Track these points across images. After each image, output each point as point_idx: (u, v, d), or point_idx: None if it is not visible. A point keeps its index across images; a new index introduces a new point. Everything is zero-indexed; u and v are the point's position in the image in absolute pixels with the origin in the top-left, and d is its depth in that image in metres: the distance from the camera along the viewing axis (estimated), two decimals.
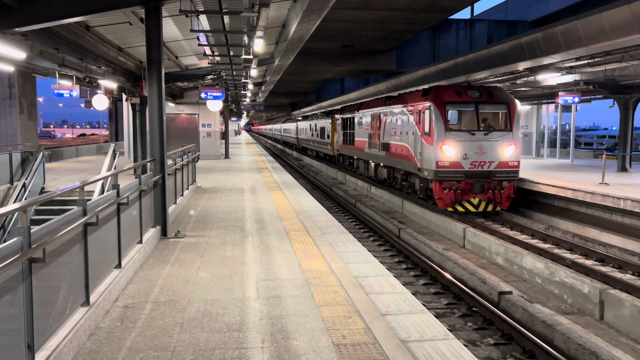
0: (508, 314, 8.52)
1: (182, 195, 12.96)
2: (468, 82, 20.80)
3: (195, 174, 16.70)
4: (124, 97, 20.43)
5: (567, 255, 12.19)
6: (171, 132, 26.05)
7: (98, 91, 18.17)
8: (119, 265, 6.53)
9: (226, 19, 11.79)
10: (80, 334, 4.76)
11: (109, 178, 11.52)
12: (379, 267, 7.32)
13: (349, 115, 27.99)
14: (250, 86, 31.94)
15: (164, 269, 7.25)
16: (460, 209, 16.22)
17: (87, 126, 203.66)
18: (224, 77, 23.19)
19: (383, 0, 18.41)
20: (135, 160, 19.98)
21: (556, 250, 12.59)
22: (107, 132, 65.44)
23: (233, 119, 64.19)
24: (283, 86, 42.21)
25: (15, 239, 3.68)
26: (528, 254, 11.27)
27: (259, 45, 13.58)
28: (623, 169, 21.27)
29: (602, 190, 14.27)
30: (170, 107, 29.06)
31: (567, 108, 28.86)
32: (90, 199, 5.63)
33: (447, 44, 27.12)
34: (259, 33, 11.82)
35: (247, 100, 45.21)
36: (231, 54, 16.57)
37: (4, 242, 3.62)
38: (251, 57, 16.96)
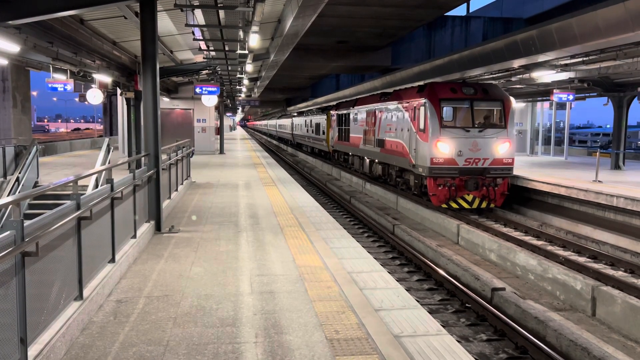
0: (501, 310, 8.57)
1: (176, 190, 12.94)
2: (463, 79, 20.84)
3: (189, 169, 16.67)
4: (119, 91, 20.39)
5: (560, 252, 12.25)
6: (166, 127, 25.99)
7: (92, 85, 18.10)
8: (112, 260, 6.51)
9: (221, 13, 11.78)
10: (73, 328, 4.75)
11: (103, 172, 11.49)
12: (372, 263, 7.34)
13: (344, 112, 28.00)
14: (246, 81, 31.89)
15: (157, 264, 7.25)
16: (454, 205, 16.26)
17: (82, 120, 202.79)
18: (219, 72, 23.15)
19: None
20: (129, 154, 19.94)
21: (549, 247, 12.65)
22: (101, 127, 65.18)
23: (228, 114, 64.10)
24: (278, 82, 42.15)
25: (8, 232, 3.66)
26: (521, 250, 11.32)
27: (254, 40, 13.54)
28: (616, 166, 21.38)
29: (596, 188, 14.34)
30: (164, 102, 28.97)
31: (561, 106, 28.99)
32: (84, 194, 5.61)
33: (443, 41, 27.14)
34: (254, 28, 11.79)
35: (242, 95, 45.16)
36: (226, 49, 16.55)
37: None
38: (246, 52, 16.93)
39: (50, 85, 15.63)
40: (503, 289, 9.29)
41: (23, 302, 3.86)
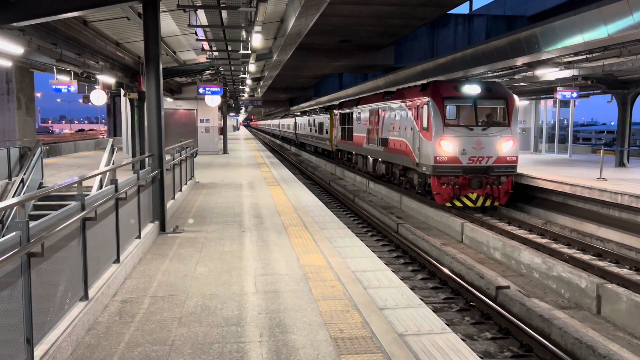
0: (505, 308, 8.56)
1: (180, 190, 12.96)
2: (466, 77, 20.81)
3: (193, 170, 16.70)
4: (122, 92, 20.41)
5: (565, 250, 12.23)
6: (169, 128, 26.07)
7: (96, 86, 18.15)
8: (117, 260, 6.53)
9: (224, 13, 11.79)
10: (79, 328, 4.77)
11: (107, 173, 11.52)
12: (377, 262, 7.34)
13: (347, 111, 27.99)
14: (249, 81, 31.92)
15: (162, 264, 7.27)
16: (458, 204, 16.24)
17: (85, 121, 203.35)
18: (222, 72, 23.18)
19: None
20: (133, 155, 19.98)
21: (554, 245, 12.63)
22: (105, 128, 65.31)
23: (231, 114, 64.17)
24: (281, 81, 42.19)
25: (13, 233, 3.68)
26: (526, 248, 11.30)
27: (257, 40, 13.56)
28: (621, 164, 21.31)
29: (600, 185, 14.30)
30: (168, 102, 29.03)
31: (565, 103, 28.89)
32: (89, 194, 5.62)
33: (446, 39, 27.13)
34: (257, 28, 11.79)
35: (246, 95, 45.20)
36: (229, 49, 16.56)
37: (3, 236, 3.63)
38: (249, 52, 16.95)
39: (54, 86, 15.69)
40: (507, 287, 9.28)
41: (29, 302, 3.87)
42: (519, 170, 17.09)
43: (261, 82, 36.34)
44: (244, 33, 13.83)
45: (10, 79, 21.07)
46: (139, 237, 7.85)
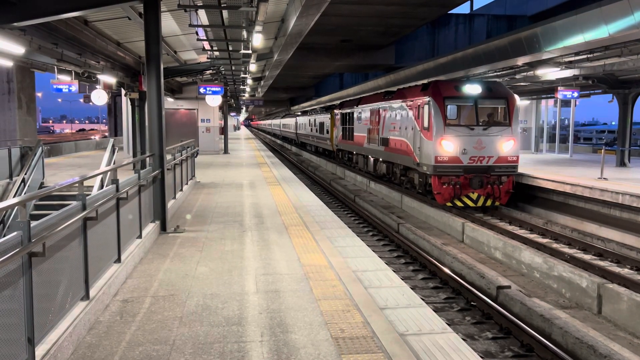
0: (506, 308, 8.56)
1: (181, 190, 12.97)
2: (467, 77, 20.81)
3: (194, 169, 16.70)
4: (123, 92, 20.43)
5: (566, 249, 12.22)
6: (170, 128, 26.03)
7: (97, 86, 18.15)
8: (118, 260, 6.54)
9: (225, 13, 11.79)
10: (80, 327, 4.78)
11: (108, 173, 11.53)
12: (377, 262, 7.34)
13: (348, 110, 27.98)
14: (249, 81, 31.91)
15: (163, 264, 7.27)
16: (459, 204, 16.24)
17: (86, 121, 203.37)
18: (223, 72, 23.18)
19: None
20: (134, 155, 20.00)
21: (555, 245, 12.62)
22: (106, 127, 65.32)
23: (232, 114, 64.17)
24: (282, 81, 42.20)
25: (15, 233, 3.68)
26: (527, 248, 11.30)
27: (257, 40, 13.56)
28: (622, 163, 21.30)
29: (601, 185, 14.30)
30: (169, 102, 29.04)
31: (566, 103, 28.88)
32: (90, 194, 5.62)
33: (446, 39, 27.15)
34: (257, 28, 11.80)
35: (246, 95, 45.19)
36: (230, 48, 16.56)
37: (4, 236, 3.63)
38: (250, 52, 16.94)
39: (55, 86, 15.70)
40: (508, 287, 9.28)
41: (30, 302, 3.88)
42: (520, 170, 17.08)
43: (262, 82, 36.35)
44: (244, 33, 13.83)
45: (11, 79, 21.09)
46: (139, 236, 7.85)
